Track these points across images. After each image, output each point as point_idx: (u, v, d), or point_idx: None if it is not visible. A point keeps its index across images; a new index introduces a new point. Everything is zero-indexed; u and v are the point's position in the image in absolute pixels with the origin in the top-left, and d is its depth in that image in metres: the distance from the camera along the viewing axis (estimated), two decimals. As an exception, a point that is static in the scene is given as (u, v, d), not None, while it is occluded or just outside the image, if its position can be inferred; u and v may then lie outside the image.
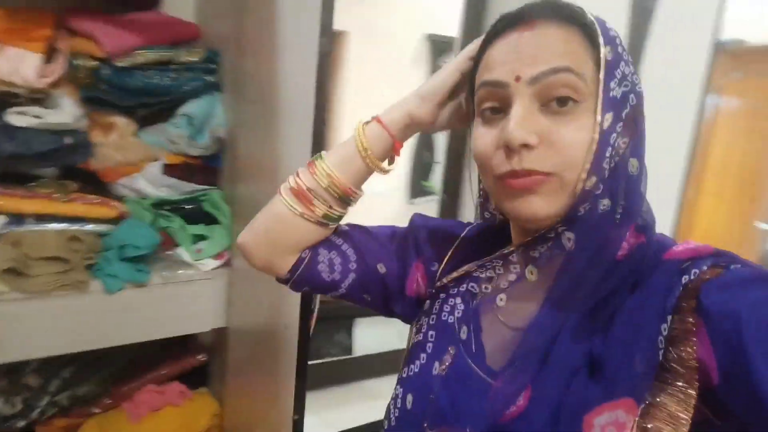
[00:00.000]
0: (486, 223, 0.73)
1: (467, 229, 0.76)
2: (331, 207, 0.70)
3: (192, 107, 1.50)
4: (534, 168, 0.52)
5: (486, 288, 0.65)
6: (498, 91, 0.55)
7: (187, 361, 1.55)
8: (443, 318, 0.67)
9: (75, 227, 1.30)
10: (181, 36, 1.52)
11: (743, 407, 0.40)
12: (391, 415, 0.65)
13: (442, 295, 0.70)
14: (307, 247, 0.74)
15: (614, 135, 0.52)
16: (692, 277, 0.46)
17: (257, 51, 1.28)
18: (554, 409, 0.48)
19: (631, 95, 0.54)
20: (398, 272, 0.74)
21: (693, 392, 0.43)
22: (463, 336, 0.62)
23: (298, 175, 0.71)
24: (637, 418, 0.44)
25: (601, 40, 0.53)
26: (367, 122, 0.70)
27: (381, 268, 0.74)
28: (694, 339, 0.44)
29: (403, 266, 0.74)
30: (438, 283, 0.71)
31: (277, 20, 1.15)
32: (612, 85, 0.53)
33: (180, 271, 1.37)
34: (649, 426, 0.44)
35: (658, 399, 0.45)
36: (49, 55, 1.31)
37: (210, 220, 1.52)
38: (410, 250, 0.75)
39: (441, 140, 1.92)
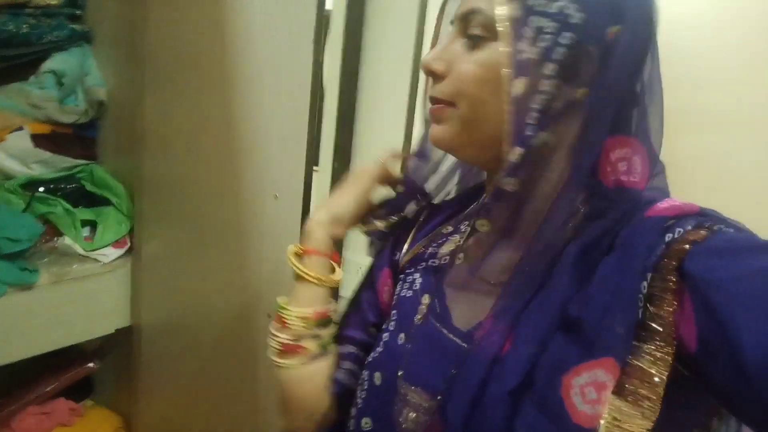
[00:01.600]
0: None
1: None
2: (319, 337, 0.66)
3: (59, 62, 1.21)
4: (434, 95, 0.55)
5: (445, 257, 0.63)
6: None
7: (75, 371, 1.29)
8: (402, 295, 0.64)
9: None
10: (31, -29, 1.20)
11: (722, 374, 0.40)
12: (359, 399, 0.62)
13: (401, 277, 0.67)
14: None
15: (538, 95, 0.49)
16: (676, 236, 0.45)
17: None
18: (529, 369, 0.47)
19: (557, 47, 0.49)
20: (377, 307, 0.70)
21: (670, 351, 0.43)
22: (426, 302, 0.60)
23: (274, 336, 0.65)
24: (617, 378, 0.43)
25: None
26: (298, 255, 0.67)
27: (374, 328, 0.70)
28: (674, 299, 0.44)
29: (376, 297, 0.70)
30: (399, 269, 0.68)
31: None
32: (522, 46, 0.49)
33: (75, 266, 1.12)
34: (626, 385, 0.44)
35: (636, 358, 0.44)
36: None
37: (90, 201, 1.26)
38: (375, 270, 0.71)
39: (330, 104, 1.83)
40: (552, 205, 0.52)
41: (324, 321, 0.66)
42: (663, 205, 0.49)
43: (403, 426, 0.55)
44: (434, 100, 0.55)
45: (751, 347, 0.37)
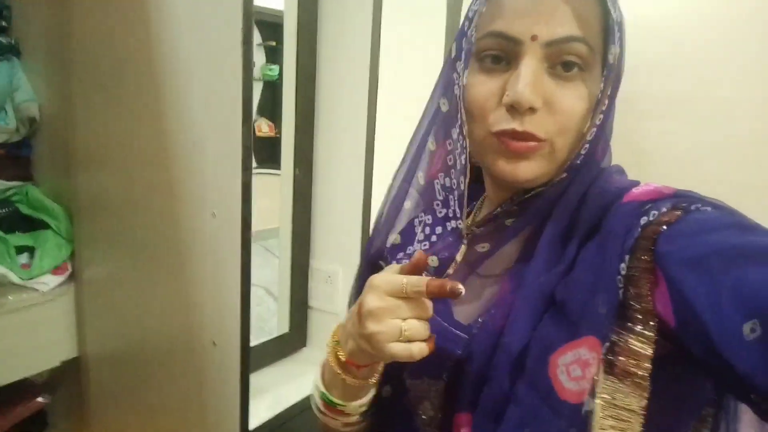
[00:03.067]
0: None
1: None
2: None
3: (-17, 79, 1.13)
4: (533, 131, 0.52)
5: (444, 256, 0.62)
6: (508, 45, 0.53)
7: (25, 407, 1.21)
8: None
9: None
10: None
11: (698, 351, 0.42)
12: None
13: None
14: None
15: (593, 127, 0.55)
16: (651, 218, 0.46)
17: (91, 8, 1.00)
18: (520, 352, 0.50)
19: (622, 63, 0.56)
20: None
21: (652, 327, 0.45)
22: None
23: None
24: (601, 356, 0.45)
25: (610, 5, 0.53)
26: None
27: None
28: (651, 278, 0.45)
29: None
30: None
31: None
32: (617, 54, 0.54)
33: (10, 297, 1.04)
34: (615, 362, 0.46)
35: (622, 337, 0.46)
36: None
37: (28, 224, 1.18)
38: None
39: (288, 107, 1.77)
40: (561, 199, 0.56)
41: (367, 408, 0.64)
42: (640, 190, 0.51)
43: (423, 416, 0.59)
44: (526, 135, 0.52)
45: (716, 325, 0.39)
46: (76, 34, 1.04)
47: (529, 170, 0.54)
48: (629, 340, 0.46)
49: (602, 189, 0.54)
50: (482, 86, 0.55)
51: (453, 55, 0.60)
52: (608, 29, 0.53)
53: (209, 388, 0.91)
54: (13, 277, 1.07)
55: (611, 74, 0.54)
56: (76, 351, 1.16)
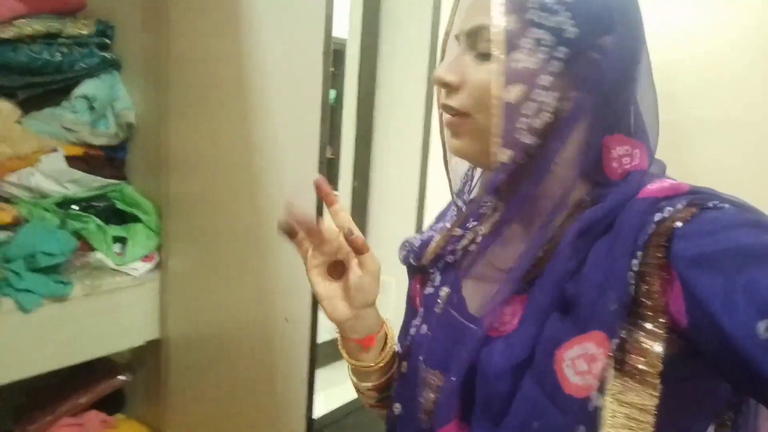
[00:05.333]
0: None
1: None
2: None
3: (90, 87, 1.28)
4: (451, 104, 0.56)
5: (459, 252, 0.66)
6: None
7: (107, 384, 1.33)
8: (426, 293, 0.67)
9: (-37, 238, 1.05)
10: (65, 4, 1.29)
11: (712, 350, 0.42)
12: (392, 390, 0.68)
13: (426, 276, 0.70)
14: None
15: (531, 103, 0.52)
16: (666, 215, 0.46)
17: (187, 29, 1.14)
18: (529, 348, 0.51)
19: (552, 60, 0.51)
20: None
21: (664, 325, 0.45)
22: (444, 294, 0.64)
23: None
24: (611, 353, 0.45)
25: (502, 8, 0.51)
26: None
27: None
28: (664, 276, 0.45)
29: (412, 307, 0.73)
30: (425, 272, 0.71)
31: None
32: (519, 56, 0.51)
33: (106, 279, 1.17)
34: (624, 360, 0.46)
35: (632, 334, 0.46)
36: None
37: (121, 218, 1.32)
38: (410, 282, 0.74)
39: (348, 128, 1.88)
40: (559, 200, 0.56)
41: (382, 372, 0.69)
42: (655, 186, 0.50)
43: (424, 408, 0.60)
44: (450, 110, 0.57)
45: (731, 325, 0.39)
46: (173, 50, 1.18)
47: (459, 145, 0.58)
48: (639, 337, 0.45)
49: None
50: None
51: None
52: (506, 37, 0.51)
53: (280, 361, 1.01)
54: (109, 262, 1.21)
55: (524, 78, 0.51)
56: (159, 333, 1.28)
